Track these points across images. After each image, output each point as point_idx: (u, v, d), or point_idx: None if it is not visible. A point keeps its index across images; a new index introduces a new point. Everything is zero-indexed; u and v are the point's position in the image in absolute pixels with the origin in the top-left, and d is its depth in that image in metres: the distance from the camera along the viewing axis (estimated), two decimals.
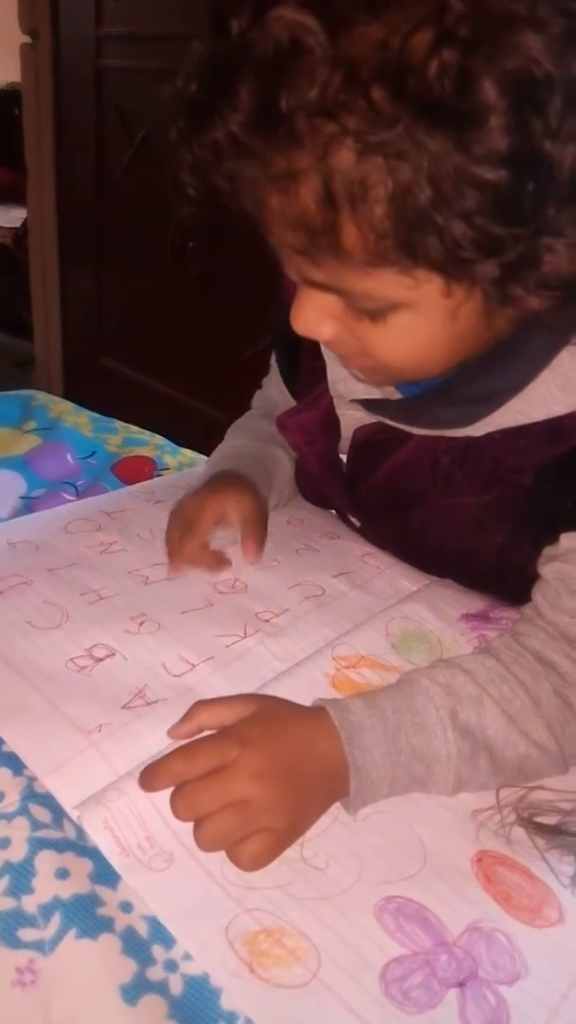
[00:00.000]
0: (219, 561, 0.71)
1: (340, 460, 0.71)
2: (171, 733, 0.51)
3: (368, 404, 0.65)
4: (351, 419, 0.68)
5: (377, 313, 0.47)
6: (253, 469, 0.77)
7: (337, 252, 0.42)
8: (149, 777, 0.47)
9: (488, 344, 0.51)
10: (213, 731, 0.50)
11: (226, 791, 0.45)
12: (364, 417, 0.67)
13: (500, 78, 0.35)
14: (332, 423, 0.70)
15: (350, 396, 0.66)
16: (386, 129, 0.36)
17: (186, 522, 0.70)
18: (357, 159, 0.37)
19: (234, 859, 0.45)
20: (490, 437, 0.58)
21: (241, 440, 0.83)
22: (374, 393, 0.64)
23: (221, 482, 0.74)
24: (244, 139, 0.39)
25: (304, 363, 0.73)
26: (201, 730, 0.50)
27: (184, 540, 0.69)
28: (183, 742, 0.49)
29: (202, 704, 0.51)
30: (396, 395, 0.63)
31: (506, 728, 0.52)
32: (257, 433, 0.84)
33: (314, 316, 0.49)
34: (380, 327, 0.47)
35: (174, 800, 0.46)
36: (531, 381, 0.54)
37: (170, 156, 0.43)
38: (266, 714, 0.50)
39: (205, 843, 0.45)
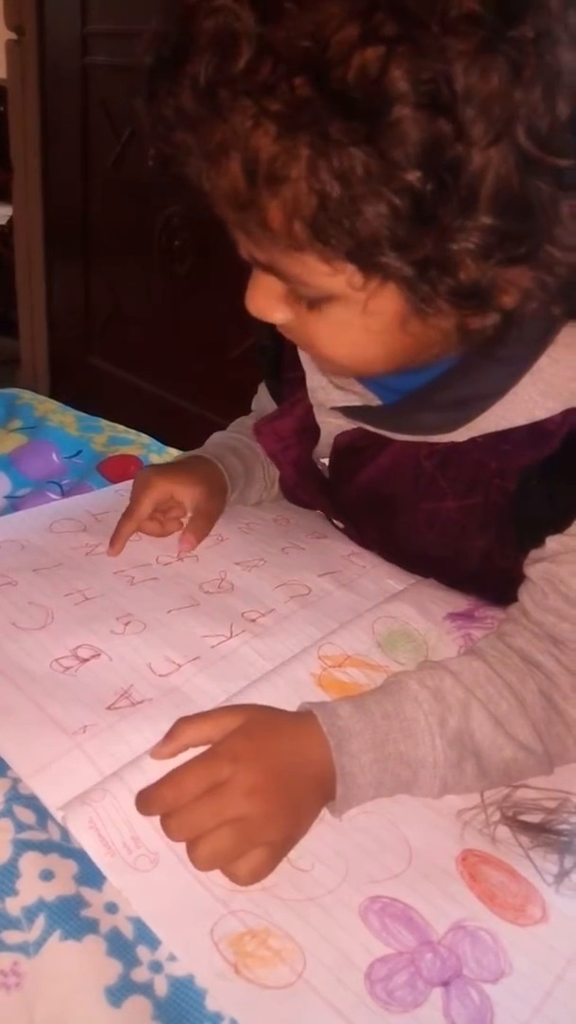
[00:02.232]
0: (160, 531, 0.73)
1: (316, 466, 0.71)
2: (154, 754, 0.49)
3: (348, 411, 0.65)
4: (331, 426, 0.68)
5: (314, 302, 0.48)
6: (227, 459, 0.78)
7: (265, 230, 0.43)
8: (140, 805, 0.46)
9: (437, 352, 0.51)
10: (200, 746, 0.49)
11: (222, 810, 0.45)
12: (344, 424, 0.67)
13: (414, 77, 0.36)
14: (307, 430, 0.70)
15: (329, 404, 0.66)
16: (301, 116, 0.37)
17: (128, 509, 0.72)
18: (275, 141, 0.39)
19: (232, 876, 0.44)
20: (473, 442, 0.58)
21: (232, 432, 0.84)
22: (354, 400, 0.64)
23: (182, 466, 0.77)
24: (186, 111, 0.41)
25: (286, 373, 0.73)
26: (186, 748, 0.49)
27: (122, 523, 0.72)
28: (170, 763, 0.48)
29: (186, 721, 0.50)
30: (376, 401, 0.63)
31: (493, 731, 0.52)
32: (248, 429, 0.84)
33: (264, 300, 0.50)
34: (318, 317, 0.48)
35: (168, 822, 0.45)
36: (512, 386, 0.54)
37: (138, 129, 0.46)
38: (253, 726, 0.49)
39: (202, 862, 0.44)
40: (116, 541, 0.71)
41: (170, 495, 0.73)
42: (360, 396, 0.64)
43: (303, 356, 0.67)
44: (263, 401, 0.84)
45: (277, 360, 0.74)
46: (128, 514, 0.72)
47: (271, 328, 0.53)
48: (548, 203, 0.39)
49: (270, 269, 0.48)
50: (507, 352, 0.53)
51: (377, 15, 0.36)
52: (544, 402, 0.54)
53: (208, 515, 0.74)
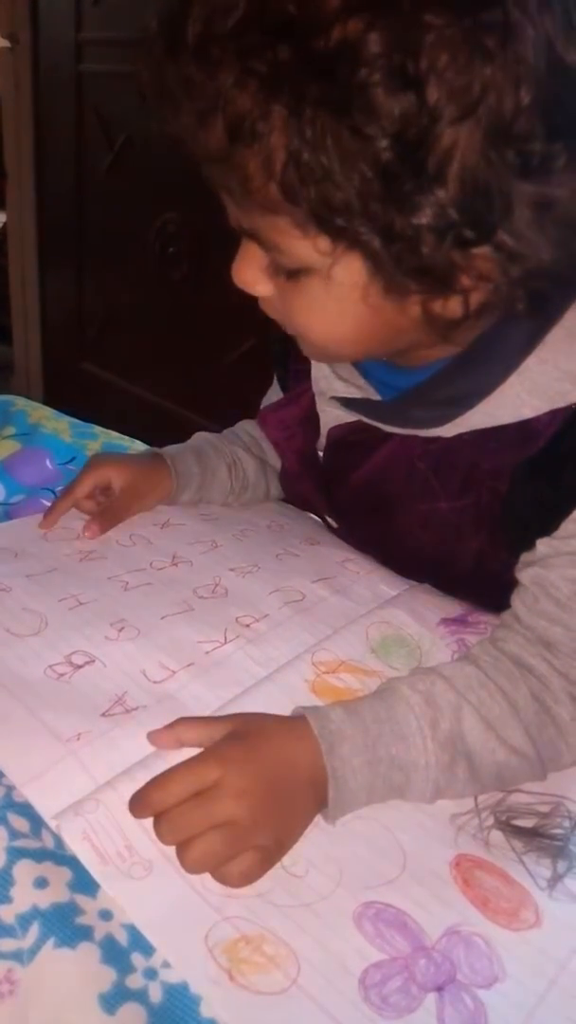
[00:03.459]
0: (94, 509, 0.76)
1: (318, 457, 0.72)
2: (151, 737, 0.51)
3: (346, 402, 0.65)
4: (330, 416, 0.69)
5: (292, 273, 0.49)
6: (182, 458, 0.81)
7: (245, 189, 0.44)
8: (135, 806, 0.46)
9: (409, 339, 0.53)
10: (193, 748, 0.50)
11: (210, 813, 0.45)
12: (343, 415, 0.67)
13: (388, 48, 0.38)
14: (313, 420, 0.71)
15: (330, 393, 0.66)
16: (281, 78, 0.39)
17: (72, 481, 0.76)
18: (255, 99, 0.40)
19: (222, 879, 0.44)
20: (461, 439, 0.59)
21: (217, 434, 0.87)
22: (354, 392, 0.65)
23: (130, 457, 0.82)
24: (183, 73, 0.42)
25: (293, 365, 0.74)
26: (180, 744, 0.50)
27: (59, 499, 0.76)
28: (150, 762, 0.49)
29: (184, 721, 0.51)
30: (375, 396, 0.64)
31: (485, 735, 0.52)
32: (232, 434, 0.87)
33: (250, 271, 0.52)
34: (295, 289, 0.50)
35: (158, 825, 0.45)
36: (500, 384, 0.55)
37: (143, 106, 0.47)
38: (244, 731, 0.50)
39: (192, 864, 0.44)
40: (50, 515, 0.75)
41: (108, 480, 0.76)
42: (361, 390, 0.65)
43: None
44: (271, 400, 0.84)
45: (286, 350, 0.75)
46: (66, 491, 0.76)
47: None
48: (509, 188, 0.40)
49: (253, 236, 0.49)
50: (498, 351, 0.54)
51: None
52: (531, 401, 0.55)
53: (119, 508, 0.77)
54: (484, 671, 0.54)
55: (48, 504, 0.87)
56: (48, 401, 1.21)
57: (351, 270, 0.46)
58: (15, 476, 0.93)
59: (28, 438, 1.01)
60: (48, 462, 0.97)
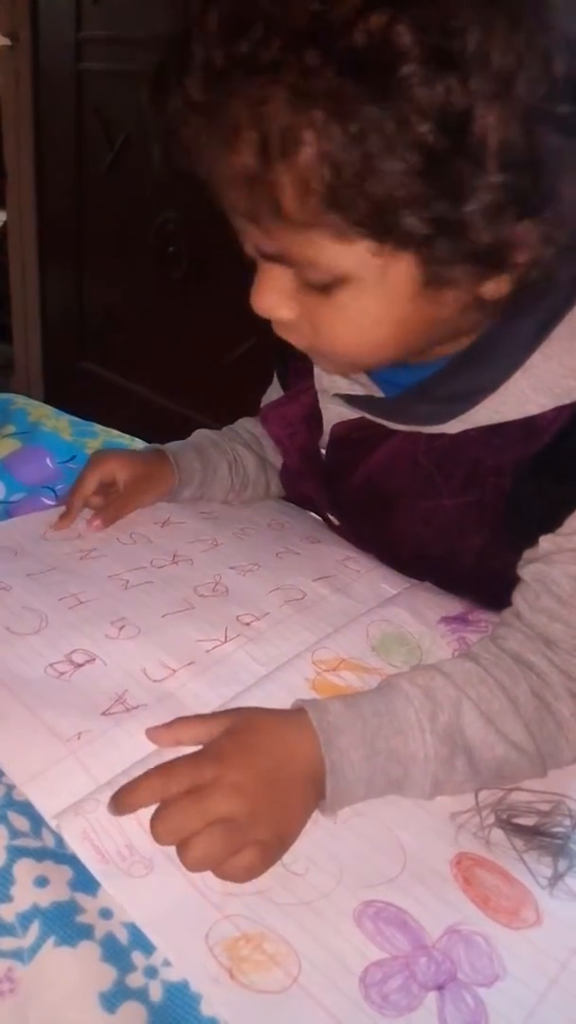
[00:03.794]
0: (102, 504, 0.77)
1: (320, 455, 0.72)
2: (149, 733, 0.51)
3: (349, 399, 0.65)
4: (333, 413, 0.69)
5: (324, 287, 0.48)
6: (184, 455, 0.81)
7: (276, 210, 0.43)
8: (127, 795, 0.46)
9: (439, 336, 0.52)
10: (190, 747, 0.50)
11: (207, 810, 0.45)
12: (346, 412, 0.67)
13: (417, 32, 0.37)
14: (315, 417, 0.71)
15: (333, 390, 0.66)
16: (314, 81, 0.38)
17: (77, 479, 0.77)
18: (288, 109, 0.40)
19: (225, 875, 0.44)
20: (466, 435, 0.59)
21: (217, 431, 0.87)
22: (357, 389, 0.65)
23: (133, 453, 0.82)
24: (194, 99, 0.42)
25: (294, 362, 0.74)
26: (178, 742, 0.50)
27: (71, 498, 0.76)
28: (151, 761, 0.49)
29: (181, 720, 0.51)
30: (379, 394, 0.64)
31: (484, 729, 0.52)
32: (232, 432, 0.87)
33: (271, 297, 0.51)
34: (329, 303, 0.49)
35: (154, 825, 0.45)
36: (505, 381, 0.55)
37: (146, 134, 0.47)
38: (240, 727, 0.50)
39: (193, 863, 0.44)
40: (66, 516, 0.75)
41: (112, 475, 0.77)
42: (364, 387, 0.65)
43: None
44: (271, 397, 0.84)
45: (287, 348, 0.74)
46: (75, 490, 0.76)
47: None
48: (555, 155, 0.40)
49: (279, 259, 0.48)
50: (503, 348, 0.54)
51: None
52: (536, 397, 0.55)
53: (123, 503, 0.77)
54: (484, 667, 0.54)
55: (48, 503, 0.87)
56: (48, 399, 1.21)
57: (397, 270, 0.46)
58: (15, 474, 0.93)
59: (28, 436, 1.01)
60: (48, 460, 0.97)
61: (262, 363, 0.89)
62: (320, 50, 0.38)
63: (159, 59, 0.44)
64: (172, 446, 0.83)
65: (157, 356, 2.15)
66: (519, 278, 0.47)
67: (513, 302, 0.49)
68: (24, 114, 2.30)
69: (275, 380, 0.84)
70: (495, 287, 0.48)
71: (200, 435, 0.86)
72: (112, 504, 0.76)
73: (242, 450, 0.85)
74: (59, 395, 2.34)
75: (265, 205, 0.44)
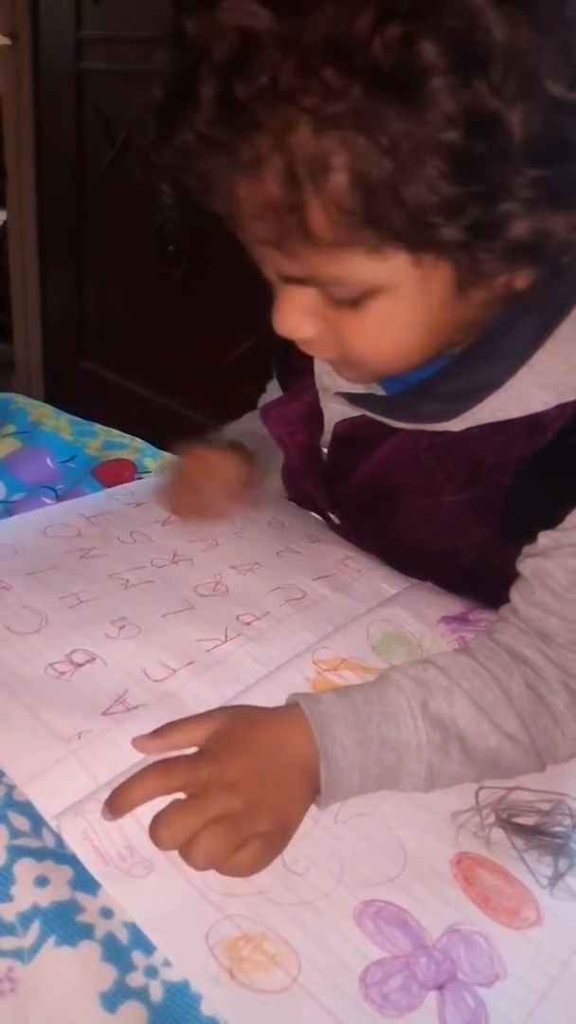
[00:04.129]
0: (211, 512, 0.76)
1: (320, 454, 0.72)
2: (137, 744, 0.50)
3: (351, 397, 0.65)
4: (334, 412, 0.69)
5: (354, 301, 0.47)
6: (256, 444, 0.80)
7: (306, 235, 0.43)
8: (119, 798, 0.46)
9: (463, 334, 0.52)
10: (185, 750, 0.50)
11: (204, 809, 0.45)
12: (347, 411, 0.67)
13: (441, 41, 0.37)
14: (316, 416, 0.71)
15: (335, 389, 0.66)
16: (338, 103, 0.37)
17: (182, 474, 0.75)
18: (314, 135, 0.39)
19: (231, 872, 0.44)
20: (469, 433, 0.59)
21: (250, 425, 0.85)
22: (358, 388, 0.65)
23: (222, 445, 0.79)
24: (209, 134, 0.41)
25: (295, 362, 0.73)
26: (173, 747, 0.50)
27: (178, 492, 0.75)
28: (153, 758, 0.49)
29: (172, 725, 0.51)
30: (380, 391, 0.64)
31: (477, 718, 0.52)
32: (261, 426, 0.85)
33: (294, 317, 0.50)
34: (358, 316, 0.48)
35: (153, 831, 0.45)
36: (509, 378, 0.55)
37: (147, 165, 0.45)
38: (231, 725, 0.50)
39: (198, 863, 0.44)
40: (178, 511, 0.75)
41: (217, 469, 0.76)
42: (365, 386, 0.65)
43: None
44: (273, 394, 0.83)
45: (288, 348, 0.74)
46: (184, 486, 0.76)
47: None
48: None
49: (304, 281, 0.47)
50: (507, 345, 0.54)
51: None
52: (540, 395, 0.55)
53: (248, 487, 0.77)
54: (478, 660, 0.55)
55: (48, 502, 0.87)
56: (48, 399, 1.21)
57: (432, 275, 0.45)
58: (15, 474, 0.93)
59: (28, 436, 1.01)
60: (48, 460, 0.97)
61: (262, 362, 0.88)
62: (339, 68, 0.37)
63: (163, 92, 0.42)
64: (245, 440, 0.81)
65: (157, 355, 2.15)
66: (546, 268, 0.47)
67: (530, 295, 0.49)
68: (24, 114, 2.30)
69: (271, 385, 0.83)
70: (523, 279, 0.48)
71: (258, 430, 0.84)
72: (236, 495, 0.77)
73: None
74: (59, 395, 2.34)
75: (293, 232, 0.43)
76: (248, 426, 0.85)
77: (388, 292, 0.47)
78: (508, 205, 0.41)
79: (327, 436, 0.70)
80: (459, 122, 0.38)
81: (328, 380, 0.67)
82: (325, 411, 0.70)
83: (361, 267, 0.45)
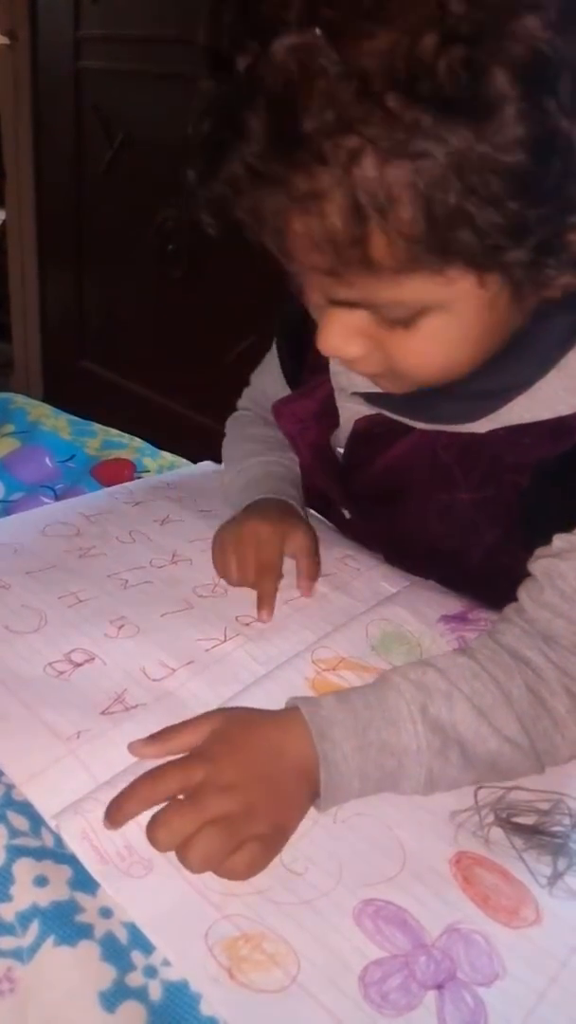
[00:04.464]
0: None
1: (332, 451, 0.71)
2: (133, 749, 0.50)
3: (370, 397, 0.65)
4: (351, 411, 0.68)
5: (407, 320, 0.47)
6: (289, 492, 0.76)
7: (367, 265, 0.42)
8: (118, 807, 0.46)
9: (505, 339, 0.52)
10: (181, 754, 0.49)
11: (201, 810, 0.45)
12: (364, 410, 0.67)
13: (509, 66, 0.36)
14: (328, 413, 0.70)
15: (352, 389, 0.66)
16: (405, 132, 0.37)
17: (264, 565, 0.68)
18: (380, 167, 0.38)
19: (227, 874, 0.44)
20: (494, 434, 0.58)
21: (263, 457, 0.81)
22: (376, 388, 0.64)
23: (277, 511, 0.73)
24: (263, 168, 0.40)
25: (309, 358, 0.72)
26: (169, 752, 0.50)
27: (268, 583, 0.67)
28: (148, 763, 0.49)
29: (169, 730, 0.51)
30: (397, 392, 0.63)
31: (477, 722, 0.52)
32: (268, 444, 0.83)
33: (341, 337, 0.50)
34: (410, 334, 0.48)
35: (151, 832, 0.45)
36: (538, 380, 0.55)
37: (187, 199, 0.44)
38: (229, 727, 0.50)
39: (194, 864, 0.44)
40: (267, 605, 0.66)
41: (285, 546, 0.71)
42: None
43: None
44: (264, 388, 0.82)
45: (301, 346, 0.73)
46: (272, 574, 0.68)
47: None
48: None
49: (355, 304, 0.47)
50: (536, 347, 0.54)
51: (449, 18, 0.35)
52: (568, 398, 0.54)
53: (317, 554, 0.72)
54: (478, 662, 0.54)
55: (47, 502, 0.87)
56: (47, 399, 1.21)
57: (489, 290, 0.45)
58: (14, 474, 0.93)
59: (27, 436, 1.01)
60: (47, 460, 0.97)
61: (261, 362, 0.88)
62: (402, 94, 0.36)
63: (209, 124, 0.41)
64: (272, 488, 0.77)
65: (156, 355, 2.14)
66: None
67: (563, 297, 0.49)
68: (23, 113, 2.29)
69: (266, 365, 0.82)
70: (571, 281, 0.47)
71: (276, 466, 0.80)
72: (311, 569, 0.70)
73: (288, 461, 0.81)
74: (58, 394, 2.34)
75: (352, 262, 0.42)
76: (264, 465, 0.80)
77: (444, 309, 0.46)
78: (574, 220, 0.41)
79: (342, 435, 0.69)
80: (529, 144, 0.37)
81: (345, 380, 0.66)
82: (342, 411, 0.69)
83: (422, 289, 0.44)
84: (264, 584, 0.67)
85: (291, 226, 0.42)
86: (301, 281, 0.48)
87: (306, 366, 0.74)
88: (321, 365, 0.69)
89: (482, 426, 0.58)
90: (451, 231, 0.40)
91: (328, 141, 0.38)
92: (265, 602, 0.66)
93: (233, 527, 0.72)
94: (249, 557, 0.69)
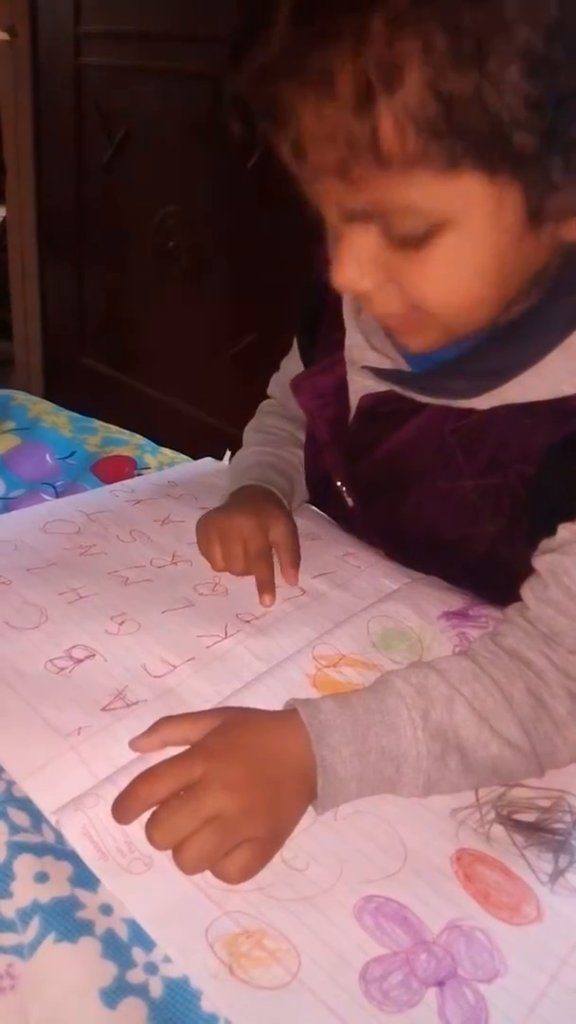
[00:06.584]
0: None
1: (348, 429, 0.71)
2: (132, 744, 0.50)
3: (379, 372, 0.65)
4: (360, 386, 0.68)
5: (420, 239, 0.46)
6: (277, 482, 0.78)
7: (376, 155, 0.42)
8: (119, 810, 0.46)
9: (522, 291, 0.51)
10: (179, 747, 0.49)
11: (198, 809, 0.45)
12: (374, 386, 0.66)
13: None
14: (346, 389, 0.70)
15: (362, 363, 0.66)
16: (417, 7, 0.37)
17: (255, 555, 0.70)
18: (390, 39, 0.38)
19: (221, 875, 0.44)
20: (495, 413, 0.58)
21: (261, 447, 0.83)
22: (386, 363, 0.64)
23: (260, 501, 0.75)
24: (281, 51, 0.41)
25: (324, 333, 0.72)
26: (165, 745, 0.50)
27: (263, 570, 0.69)
28: (150, 758, 0.49)
29: (167, 720, 0.50)
30: (405, 367, 0.63)
31: (478, 727, 0.52)
32: (275, 436, 0.84)
33: (354, 267, 0.49)
34: (424, 257, 0.47)
35: (149, 830, 0.45)
36: (542, 359, 0.55)
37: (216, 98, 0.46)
38: (230, 725, 0.50)
39: (188, 865, 0.44)
40: (268, 590, 0.68)
41: (268, 532, 0.72)
42: (392, 361, 0.64)
43: (346, 313, 0.68)
44: (288, 371, 0.82)
45: (317, 321, 0.73)
46: (265, 562, 0.70)
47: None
48: None
49: (367, 215, 0.46)
50: (541, 326, 0.54)
51: None
52: (571, 378, 0.54)
53: (297, 543, 0.73)
54: (480, 665, 0.54)
55: (48, 499, 0.87)
56: (48, 396, 1.21)
57: (505, 202, 0.44)
58: (15, 471, 0.93)
59: (28, 432, 1.01)
60: (48, 456, 0.97)
61: (262, 358, 0.88)
62: None
63: (240, 21, 0.42)
64: (257, 477, 0.79)
65: (157, 351, 2.14)
66: None
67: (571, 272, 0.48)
68: (23, 109, 2.29)
69: (293, 350, 0.82)
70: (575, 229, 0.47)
71: (263, 455, 0.82)
72: (292, 557, 0.72)
73: (300, 454, 0.82)
74: (59, 391, 2.33)
75: (363, 151, 0.42)
76: (259, 455, 0.82)
77: (456, 226, 0.45)
78: None
79: (353, 410, 0.69)
80: (540, 23, 0.37)
81: (357, 354, 0.66)
82: (351, 384, 0.68)
83: (432, 189, 0.43)
84: (260, 572, 0.70)
85: (304, 117, 0.42)
86: (317, 196, 0.48)
87: (319, 344, 0.74)
88: (339, 339, 0.69)
89: (484, 402, 0.58)
90: (458, 111, 0.39)
91: (340, 19, 0.39)
92: (265, 587, 0.68)
93: (218, 518, 0.73)
94: (236, 551, 0.70)
